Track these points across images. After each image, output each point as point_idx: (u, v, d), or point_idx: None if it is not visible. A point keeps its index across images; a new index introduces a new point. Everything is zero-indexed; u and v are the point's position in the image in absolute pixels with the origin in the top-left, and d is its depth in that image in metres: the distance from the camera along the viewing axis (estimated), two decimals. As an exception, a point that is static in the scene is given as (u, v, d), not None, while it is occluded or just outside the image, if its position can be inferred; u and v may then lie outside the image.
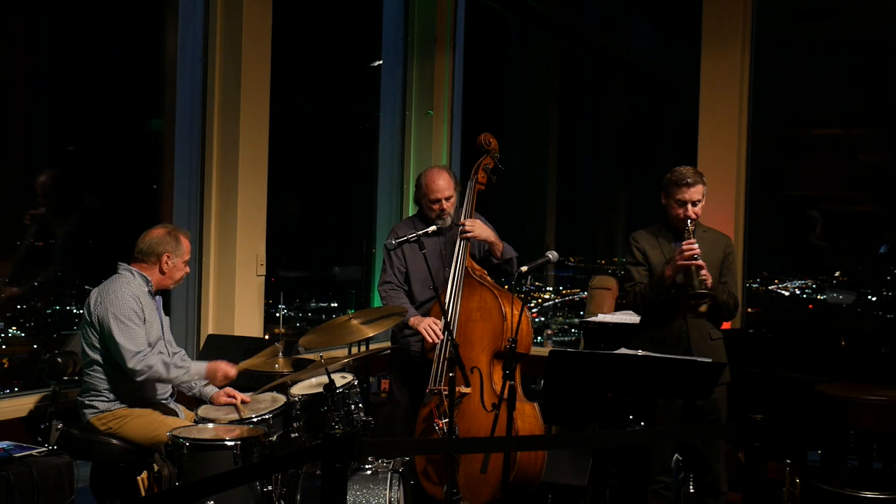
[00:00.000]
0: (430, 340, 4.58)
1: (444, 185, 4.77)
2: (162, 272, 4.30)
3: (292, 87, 6.17)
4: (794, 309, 6.74)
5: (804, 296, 6.79)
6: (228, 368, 4.23)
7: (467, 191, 4.90)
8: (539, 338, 7.02)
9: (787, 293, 6.82)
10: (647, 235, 4.47)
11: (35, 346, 5.12)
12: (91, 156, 5.43)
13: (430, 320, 4.64)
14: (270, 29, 5.44)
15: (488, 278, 4.75)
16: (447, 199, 4.78)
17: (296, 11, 6.04)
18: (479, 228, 4.75)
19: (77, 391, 4.29)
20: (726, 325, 4.85)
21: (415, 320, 4.69)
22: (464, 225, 4.73)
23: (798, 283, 6.83)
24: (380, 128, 6.92)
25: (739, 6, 5.65)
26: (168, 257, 4.29)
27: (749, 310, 5.95)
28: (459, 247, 4.72)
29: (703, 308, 4.18)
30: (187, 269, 4.41)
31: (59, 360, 4.34)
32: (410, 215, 5.21)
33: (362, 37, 7.01)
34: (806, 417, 4.79)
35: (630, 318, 5.27)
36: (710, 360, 3.70)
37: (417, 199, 4.92)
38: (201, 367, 4.24)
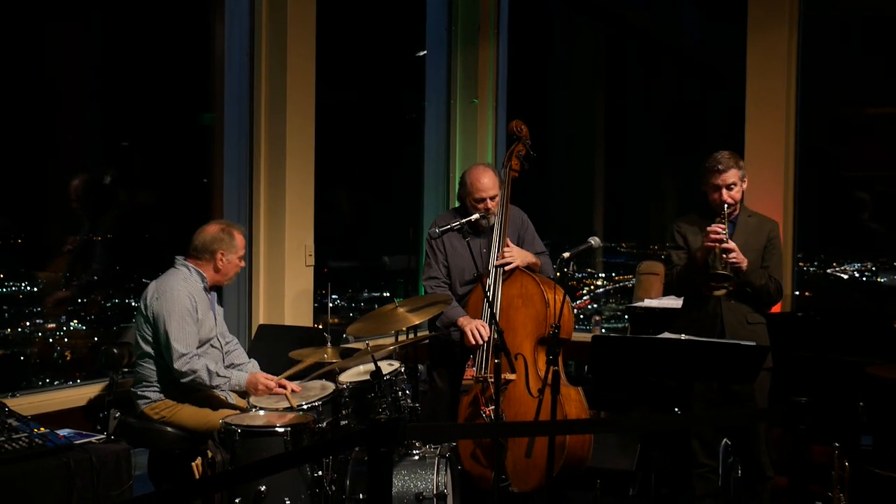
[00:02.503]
0: (472, 342, 4.53)
1: (489, 183, 4.70)
2: (217, 269, 4.39)
3: (338, 79, 6.23)
4: (853, 292, 6.63)
5: (863, 279, 6.67)
6: (269, 381, 4.27)
7: (501, 181, 4.88)
8: (588, 325, 7.01)
9: (845, 276, 6.71)
10: (689, 220, 4.51)
11: (95, 339, 5.24)
12: (144, 151, 5.56)
13: (477, 322, 4.58)
14: (315, 22, 5.51)
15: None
16: (492, 198, 4.70)
17: (340, 4, 6.10)
18: (519, 256, 4.71)
19: (132, 381, 4.41)
20: (776, 309, 4.80)
21: (463, 321, 4.62)
22: (502, 255, 4.67)
23: (856, 265, 6.71)
24: (425, 117, 6.95)
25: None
26: (223, 254, 4.37)
27: (807, 293, 5.88)
28: (498, 237, 4.72)
29: (721, 292, 4.17)
30: (241, 264, 4.49)
31: (116, 350, 4.47)
32: (454, 207, 5.20)
33: (407, 27, 7.05)
34: (857, 401, 4.73)
35: (677, 302, 5.25)
36: (753, 344, 3.68)
37: (461, 196, 4.83)
38: (242, 378, 4.28)
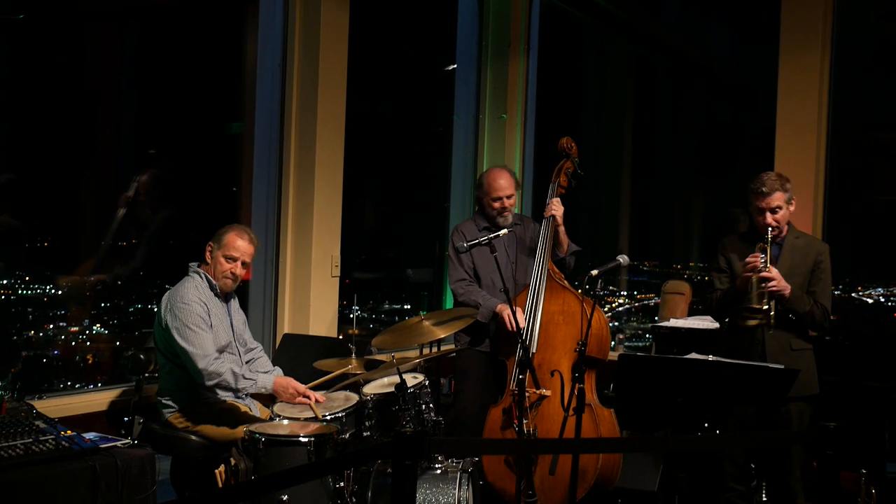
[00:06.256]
0: (510, 328, 4.59)
1: (505, 183, 4.95)
2: (209, 264, 4.35)
3: (368, 91, 6.26)
4: (879, 317, 6.56)
5: (889, 303, 6.60)
6: (298, 386, 4.28)
7: (549, 194, 4.96)
8: (612, 342, 6.99)
9: (870, 300, 6.64)
10: (735, 242, 4.42)
11: (118, 343, 5.26)
12: (175, 158, 5.59)
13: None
14: (347, 34, 5.53)
15: (567, 282, 4.77)
16: (508, 197, 4.96)
17: (372, 17, 6.13)
18: (561, 210, 4.87)
19: (156, 387, 4.42)
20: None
21: (500, 307, 4.74)
22: (549, 205, 4.83)
23: (881, 290, 6.65)
24: (453, 131, 6.96)
25: (819, 9, 5.54)
26: (210, 249, 4.34)
27: (832, 317, 5.82)
28: (544, 244, 4.75)
29: (753, 323, 4.09)
30: (227, 266, 4.32)
31: (142, 356, 4.48)
32: (473, 216, 5.26)
33: (437, 41, 7.07)
34: (885, 427, 4.68)
35: (702, 323, 5.22)
36: (781, 367, 3.64)
37: (479, 197, 5.08)
38: (269, 381, 4.28)
